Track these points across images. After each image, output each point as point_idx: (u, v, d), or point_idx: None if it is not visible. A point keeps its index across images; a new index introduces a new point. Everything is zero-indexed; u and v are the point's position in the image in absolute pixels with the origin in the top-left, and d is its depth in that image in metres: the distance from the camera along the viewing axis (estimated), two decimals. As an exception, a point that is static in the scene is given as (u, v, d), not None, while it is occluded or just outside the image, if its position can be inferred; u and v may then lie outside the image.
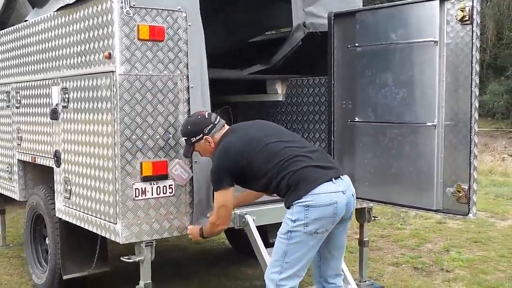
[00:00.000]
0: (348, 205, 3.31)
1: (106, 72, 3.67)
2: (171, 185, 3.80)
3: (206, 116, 3.60)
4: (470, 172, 3.84)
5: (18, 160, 5.24)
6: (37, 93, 4.72)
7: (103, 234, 3.87)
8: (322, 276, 3.54)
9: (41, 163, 4.74)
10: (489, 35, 29.51)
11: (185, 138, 3.63)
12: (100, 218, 3.86)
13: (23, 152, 5.10)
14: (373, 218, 4.92)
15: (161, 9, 3.70)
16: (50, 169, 4.64)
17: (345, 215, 3.32)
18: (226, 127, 3.64)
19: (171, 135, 3.78)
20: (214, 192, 3.51)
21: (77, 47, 4.05)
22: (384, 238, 6.74)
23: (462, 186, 3.91)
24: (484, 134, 28.29)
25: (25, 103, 4.98)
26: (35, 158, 4.85)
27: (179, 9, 3.76)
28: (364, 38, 4.45)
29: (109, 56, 3.62)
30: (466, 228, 7.18)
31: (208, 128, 3.56)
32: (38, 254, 5.17)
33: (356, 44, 4.48)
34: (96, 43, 3.79)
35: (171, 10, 3.73)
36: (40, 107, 4.68)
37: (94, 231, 3.98)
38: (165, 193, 3.78)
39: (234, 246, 6.35)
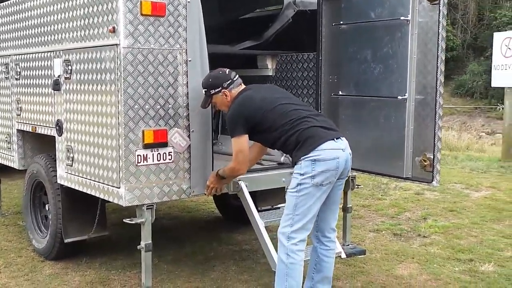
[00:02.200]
0: (347, 163, 3.70)
1: (110, 45, 3.89)
2: (170, 152, 4.05)
3: (227, 72, 3.97)
4: (434, 143, 4.18)
5: (18, 130, 5.44)
6: (38, 65, 4.91)
7: (106, 198, 4.12)
8: (320, 231, 3.91)
9: (42, 133, 4.95)
10: (470, 16, 29.93)
11: (205, 90, 3.97)
12: (103, 183, 4.11)
13: (22, 122, 5.30)
14: (356, 186, 5.23)
15: (162, -14, 3.92)
16: (51, 138, 4.86)
17: (343, 172, 3.70)
18: (243, 85, 4.00)
19: (170, 106, 4.02)
20: (232, 139, 3.82)
21: (80, 21, 4.25)
22: (365, 208, 7.09)
23: (428, 156, 4.24)
24: (463, 113, 28.85)
25: (26, 75, 5.17)
26: (35, 127, 5.06)
27: (179, -14, 3.99)
28: (348, 16, 4.74)
29: (113, 30, 3.84)
30: (442, 198, 7.56)
31: (227, 83, 3.92)
32: (37, 220, 5.40)
33: (341, 22, 4.77)
34: (100, 18, 4.00)
35: (172, -13, 3.96)
36: (41, 79, 4.88)
37: (97, 195, 4.22)
38: (165, 160, 4.04)
39: (223, 215, 6.63)
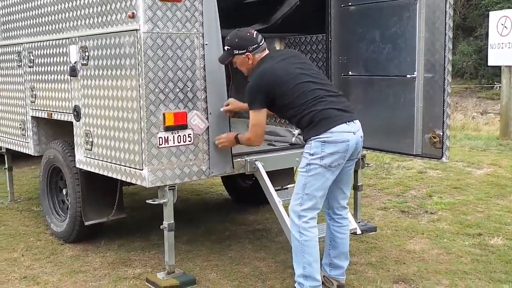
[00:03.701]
0: (357, 145, 3.78)
1: (130, 30, 3.97)
2: (190, 134, 4.16)
3: (254, 36, 3.95)
4: (443, 120, 4.29)
5: (32, 117, 5.53)
6: (53, 52, 4.98)
7: (128, 180, 4.22)
8: (331, 208, 4.03)
9: (59, 119, 5.03)
10: (456, -5, 29.89)
11: (228, 48, 3.98)
12: (125, 166, 4.21)
13: (37, 109, 5.38)
14: (366, 165, 5.35)
15: (178, -29, 4.00)
16: (67, 124, 4.95)
17: (353, 153, 3.79)
18: (267, 51, 4.01)
19: (189, 89, 4.12)
20: (250, 111, 3.90)
21: (97, 8, 4.32)
22: (371, 187, 7.23)
23: (437, 132, 4.36)
24: (454, 93, 28.98)
25: (40, 62, 5.24)
26: (51, 114, 5.14)
27: (195, -29, 4.07)
28: (356, -3, 4.84)
29: (133, 16, 3.92)
30: (445, 176, 7.72)
31: (253, 46, 3.92)
32: (54, 205, 5.50)
33: (349, 3, 4.86)
34: (118, 4, 4.08)
35: (188, -28, 4.04)
36: (57, 66, 4.95)
37: (119, 178, 4.33)
38: (185, 142, 4.14)
39: (232, 196, 6.76)
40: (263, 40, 4.00)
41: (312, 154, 3.69)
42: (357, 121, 3.81)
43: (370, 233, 5.23)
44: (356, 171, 5.34)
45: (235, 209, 6.35)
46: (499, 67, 12.28)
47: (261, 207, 6.19)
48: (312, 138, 3.70)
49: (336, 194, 3.99)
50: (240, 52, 3.94)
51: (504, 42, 10.74)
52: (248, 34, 3.97)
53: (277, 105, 3.84)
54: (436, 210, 6.14)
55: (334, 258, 4.09)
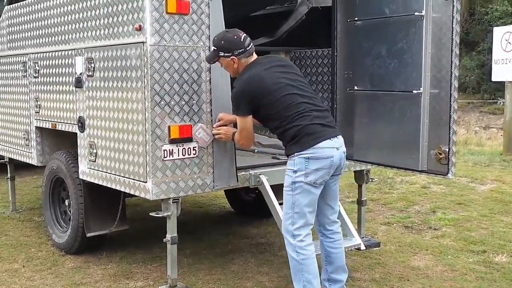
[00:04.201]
0: (341, 161, 3.78)
1: (136, 43, 3.97)
2: (195, 147, 4.14)
3: (241, 40, 3.83)
4: (449, 136, 4.26)
5: (36, 127, 5.52)
6: (59, 63, 4.98)
7: (132, 192, 4.20)
8: (321, 225, 4.01)
9: (63, 129, 5.02)
10: (461, 11, 29.95)
11: (215, 49, 3.88)
12: (129, 178, 4.19)
13: (41, 119, 5.38)
14: (370, 180, 5.34)
15: (186, -16, 4.00)
16: (71, 135, 4.94)
17: (337, 169, 3.78)
18: (255, 56, 3.92)
19: (194, 102, 4.11)
20: (236, 116, 3.88)
21: (103, 20, 4.33)
22: (374, 202, 7.20)
23: (443, 148, 4.33)
24: (456, 108, 28.96)
25: (45, 73, 5.24)
26: (55, 124, 5.13)
27: (202, -16, 4.08)
28: (362, 12, 4.82)
29: (140, 28, 3.92)
30: (449, 191, 7.69)
31: (239, 51, 3.82)
32: (57, 215, 5.48)
33: (355, 18, 4.86)
34: (125, 16, 4.08)
35: (195, -15, 4.05)
36: (62, 77, 4.95)
37: (123, 190, 4.31)
38: (190, 154, 4.12)
39: (235, 209, 6.73)
40: (251, 44, 3.89)
41: (296, 171, 3.66)
42: (340, 137, 3.80)
43: (374, 249, 5.19)
44: (360, 186, 5.33)
45: (238, 222, 6.32)
46: (501, 82, 12.28)
47: (264, 220, 6.16)
48: (295, 154, 3.67)
49: (325, 211, 3.97)
50: (225, 54, 3.84)
51: (508, 57, 10.75)
52: (235, 37, 3.84)
53: (261, 113, 3.80)
54: (440, 226, 6.10)
55: (332, 273, 4.05)
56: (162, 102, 3.95)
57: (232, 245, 5.49)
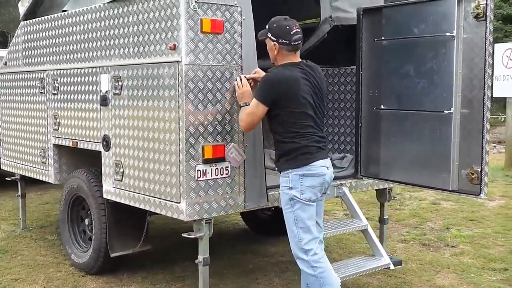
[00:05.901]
0: (331, 179, 3.89)
1: (170, 62, 3.94)
2: (227, 167, 4.10)
3: (292, 32, 3.80)
4: (482, 156, 4.25)
5: (54, 144, 5.44)
6: (82, 81, 4.93)
7: (163, 213, 4.15)
8: None
9: (85, 148, 4.95)
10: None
11: (267, 28, 3.87)
12: (160, 198, 4.13)
13: (61, 137, 5.30)
14: (392, 198, 5.33)
15: (220, 4, 3.98)
16: (91, 153, 4.89)
17: (327, 187, 3.89)
18: (298, 58, 3.90)
19: (227, 121, 4.08)
20: (253, 99, 3.81)
21: (134, 38, 4.29)
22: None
23: (475, 168, 4.33)
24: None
25: (66, 90, 5.17)
26: (76, 142, 5.06)
27: (235, 4, 4.06)
28: (389, 32, 4.82)
29: (174, 48, 3.89)
30: (459, 208, 7.70)
31: (283, 41, 3.79)
32: (75, 235, 5.39)
33: (382, 38, 4.85)
34: (158, 35, 4.05)
35: (229, 5, 4.03)
36: (85, 94, 4.89)
37: (152, 210, 4.25)
38: (222, 174, 4.09)
39: (251, 227, 6.67)
40: (299, 41, 3.84)
41: (291, 188, 3.75)
42: (329, 159, 3.93)
43: (397, 267, 5.16)
44: (382, 205, 5.32)
45: (254, 240, 6.27)
46: (502, 98, 12.39)
47: (280, 237, 6.10)
48: (290, 171, 3.75)
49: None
50: (272, 38, 3.83)
51: (509, 74, 10.84)
52: (288, 27, 3.81)
53: (274, 111, 3.78)
54: (457, 243, 6.10)
55: None
56: (196, 122, 3.92)
57: (253, 264, 5.44)
